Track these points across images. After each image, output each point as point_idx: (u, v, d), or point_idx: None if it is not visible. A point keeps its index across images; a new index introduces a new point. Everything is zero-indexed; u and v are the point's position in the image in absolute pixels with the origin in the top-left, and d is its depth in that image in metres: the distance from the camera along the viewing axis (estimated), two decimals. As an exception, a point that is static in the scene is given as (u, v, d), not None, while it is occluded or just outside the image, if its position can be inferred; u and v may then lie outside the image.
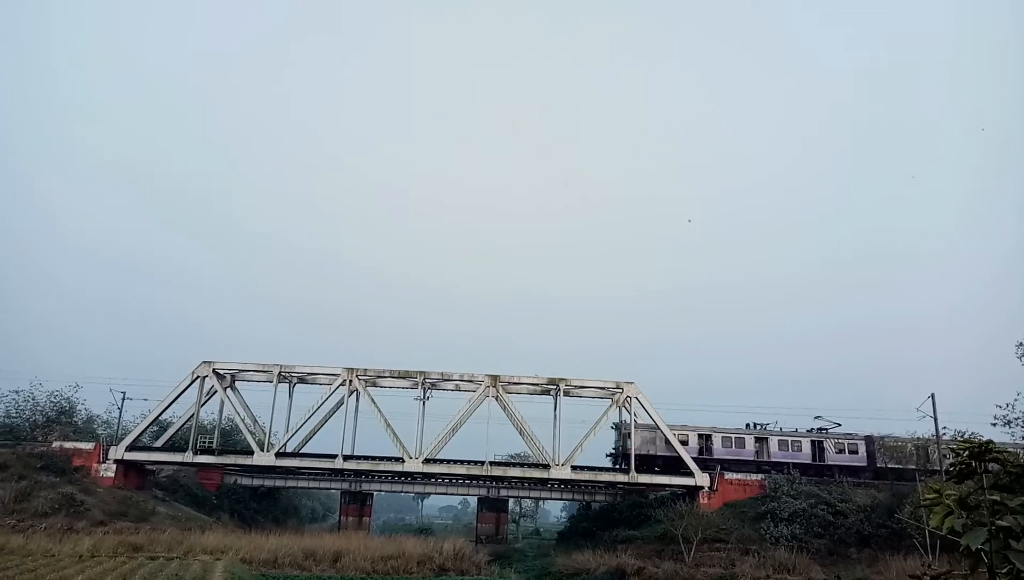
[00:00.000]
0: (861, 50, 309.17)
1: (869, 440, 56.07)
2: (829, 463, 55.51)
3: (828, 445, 55.91)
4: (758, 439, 56.63)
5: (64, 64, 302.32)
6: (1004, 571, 4.20)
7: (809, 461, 55.50)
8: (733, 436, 56.71)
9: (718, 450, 55.88)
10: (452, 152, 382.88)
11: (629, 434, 54.01)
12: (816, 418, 56.13)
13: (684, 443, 54.45)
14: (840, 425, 57.17)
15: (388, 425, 53.33)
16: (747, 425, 58.77)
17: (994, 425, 40.77)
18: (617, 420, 56.78)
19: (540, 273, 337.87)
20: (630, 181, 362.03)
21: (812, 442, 56.18)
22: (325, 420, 56.43)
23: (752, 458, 56.00)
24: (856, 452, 55.74)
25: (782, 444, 56.22)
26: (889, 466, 53.22)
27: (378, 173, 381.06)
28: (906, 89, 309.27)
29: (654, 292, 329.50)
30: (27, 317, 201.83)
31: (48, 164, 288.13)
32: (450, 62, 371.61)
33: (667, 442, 53.95)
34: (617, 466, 57.04)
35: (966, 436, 44.60)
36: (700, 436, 56.11)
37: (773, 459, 55.72)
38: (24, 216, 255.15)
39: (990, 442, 4.67)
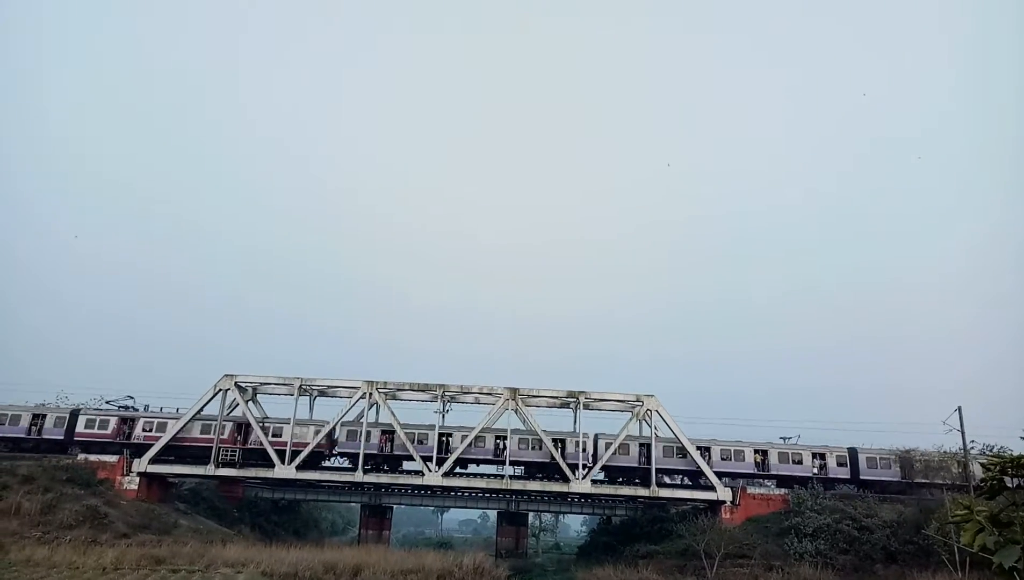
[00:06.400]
0: (862, 72, 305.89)
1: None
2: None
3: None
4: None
5: (61, 75, 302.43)
6: (1039, 590, 4.09)
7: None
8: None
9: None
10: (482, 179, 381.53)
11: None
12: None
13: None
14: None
15: (409, 439, 53.35)
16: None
17: (1024, 439, 39.89)
18: (637, 433, 56.32)
19: (554, 293, 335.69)
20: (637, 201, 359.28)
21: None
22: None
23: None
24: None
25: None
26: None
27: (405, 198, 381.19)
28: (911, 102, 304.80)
29: (667, 309, 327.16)
30: (37, 339, 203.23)
31: (49, 183, 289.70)
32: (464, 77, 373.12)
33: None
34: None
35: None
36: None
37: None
38: (28, 236, 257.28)
39: (1022, 457, 4.57)
